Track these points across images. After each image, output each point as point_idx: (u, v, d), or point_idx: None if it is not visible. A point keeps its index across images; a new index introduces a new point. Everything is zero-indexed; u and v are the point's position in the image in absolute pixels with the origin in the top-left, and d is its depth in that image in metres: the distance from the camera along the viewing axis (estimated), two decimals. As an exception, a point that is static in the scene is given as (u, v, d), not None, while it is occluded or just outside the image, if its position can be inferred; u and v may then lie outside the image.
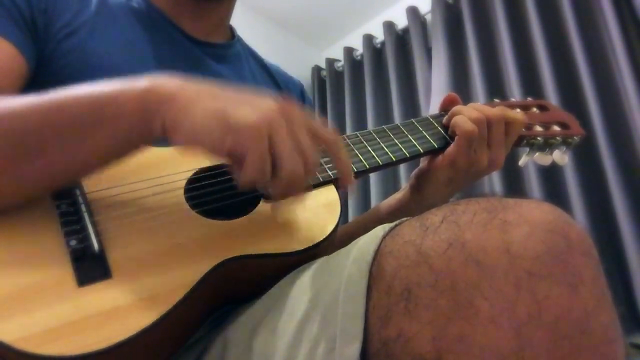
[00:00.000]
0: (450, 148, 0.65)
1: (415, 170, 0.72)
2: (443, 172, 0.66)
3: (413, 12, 2.14)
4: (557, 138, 0.75)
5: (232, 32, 0.87)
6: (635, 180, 1.44)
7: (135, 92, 0.46)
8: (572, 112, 1.53)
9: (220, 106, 0.43)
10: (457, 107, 0.68)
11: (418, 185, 0.71)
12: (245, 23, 1.19)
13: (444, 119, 0.69)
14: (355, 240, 0.45)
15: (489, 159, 0.66)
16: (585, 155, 1.52)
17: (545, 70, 1.65)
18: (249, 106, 0.43)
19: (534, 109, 0.79)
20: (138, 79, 0.47)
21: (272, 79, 0.88)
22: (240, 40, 0.88)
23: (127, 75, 0.67)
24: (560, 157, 0.75)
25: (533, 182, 1.61)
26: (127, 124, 0.46)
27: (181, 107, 0.44)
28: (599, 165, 1.51)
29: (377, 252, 0.41)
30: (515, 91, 1.70)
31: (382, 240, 0.42)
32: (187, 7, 0.77)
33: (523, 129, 0.72)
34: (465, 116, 0.65)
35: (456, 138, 0.64)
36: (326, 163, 0.61)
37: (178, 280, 0.45)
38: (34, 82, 0.63)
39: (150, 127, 0.45)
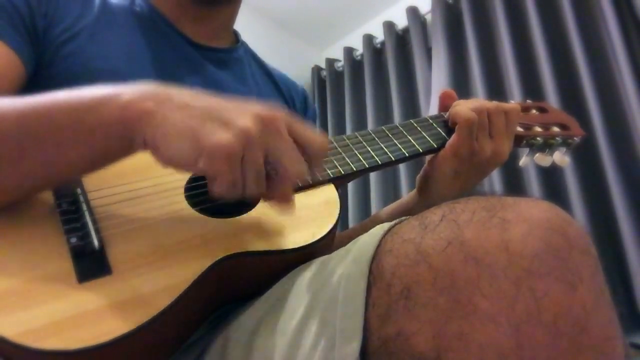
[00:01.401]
0: (452, 138, 0.66)
1: (420, 172, 0.72)
2: (447, 163, 0.66)
3: (413, 12, 2.14)
4: (557, 139, 0.76)
5: (236, 36, 0.87)
6: (635, 180, 1.44)
7: (115, 105, 0.44)
8: (572, 112, 1.52)
9: (195, 126, 0.42)
10: (457, 101, 0.70)
11: (425, 185, 0.72)
12: (245, 23, 1.19)
13: (446, 115, 0.69)
14: (355, 240, 0.46)
15: (492, 150, 0.66)
16: (585, 155, 1.52)
17: (545, 70, 1.65)
18: (224, 126, 0.42)
19: (534, 111, 0.80)
20: (122, 88, 0.45)
21: (275, 85, 0.88)
22: (244, 45, 0.87)
23: (126, 79, 0.67)
24: (561, 158, 0.76)
25: (533, 182, 1.61)
26: (106, 138, 0.45)
27: (157, 124, 0.42)
28: (599, 165, 1.51)
29: (377, 251, 0.41)
30: (515, 91, 1.70)
31: (381, 239, 0.42)
32: (189, 11, 0.77)
33: (521, 129, 0.73)
34: (464, 106, 0.66)
35: (457, 127, 0.65)
36: (326, 162, 0.61)
37: (178, 277, 0.45)
38: (34, 85, 0.63)
39: (130, 142, 0.44)
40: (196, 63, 0.76)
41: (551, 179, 1.59)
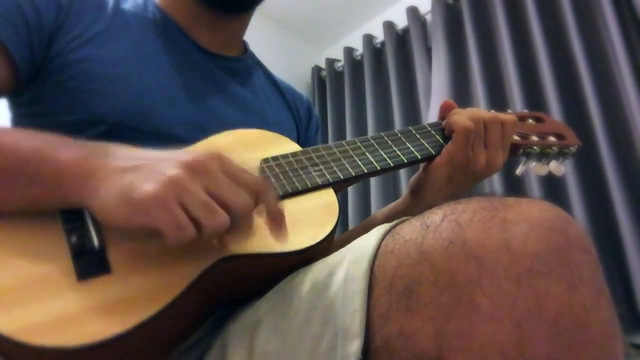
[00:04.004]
0: (448, 146, 0.66)
1: (413, 176, 0.73)
2: (441, 169, 0.67)
3: (413, 12, 2.14)
4: (554, 148, 0.77)
5: (245, 46, 0.87)
6: (635, 180, 1.44)
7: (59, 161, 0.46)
8: (571, 113, 1.53)
9: (125, 184, 0.43)
10: (454, 110, 0.70)
11: (417, 189, 0.72)
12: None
13: (443, 123, 0.70)
14: (355, 241, 0.46)
15: (487, 160, 0.67)
16: (585, 156, 1.52)
17: (545, 70, 1.65)
18: (153, 175, 0.42)
19: (530, 121, 0.81)
20: (72, 147, 0.47)
21: (282, 96, 0.89)
22: (252, 55, 0.88)
23: (137, 84, 0.67)
24: (557, 167, 0.77)
25: (533, 184, 1.61)
26: (44, 190, 0.47)
27: (93, 187, 0.44)
28: (599, 166, 1.51)
29: (378, 251, 0.41)
30: (515, 91, 1.70)
31: (382, 240, 0.42)
32: (203, 19, 0.77)
33: (518, 138, 0.74)
34: (462, 115, 0.67)
35: (454, 135, 0.66)
36: (325, 168, 0.61)
37: (176, 277, 0.45)
38: (44, 88, 0.64)
39: (66, 199, 0.46)
40: (206, 70, 0.76)
41: (552, 180, 1.59)
